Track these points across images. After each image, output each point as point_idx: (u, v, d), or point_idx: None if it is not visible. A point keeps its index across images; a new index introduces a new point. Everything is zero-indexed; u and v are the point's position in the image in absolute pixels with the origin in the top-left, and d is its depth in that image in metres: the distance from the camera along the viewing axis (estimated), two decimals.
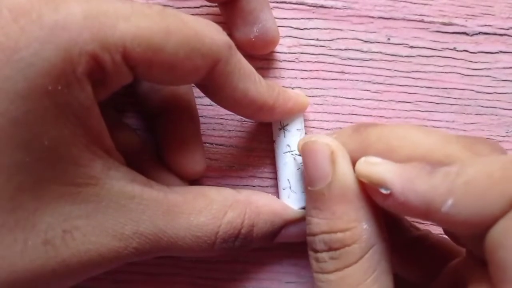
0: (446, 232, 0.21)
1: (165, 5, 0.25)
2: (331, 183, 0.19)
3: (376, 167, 0.18)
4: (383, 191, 0.17)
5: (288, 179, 0.24)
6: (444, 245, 0.22)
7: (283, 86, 0.25)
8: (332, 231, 0.19)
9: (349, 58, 0.26)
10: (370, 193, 0.19)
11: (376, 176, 0.18)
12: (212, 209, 0.21)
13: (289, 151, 0.24)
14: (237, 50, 0.20)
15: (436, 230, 0.24)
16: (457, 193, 0.16)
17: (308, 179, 0.20)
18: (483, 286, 0.17)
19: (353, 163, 0.19)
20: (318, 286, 0.20)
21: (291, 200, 0.24)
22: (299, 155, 0.23)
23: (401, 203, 0.17)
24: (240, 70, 0.20)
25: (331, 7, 0.26)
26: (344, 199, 0.19)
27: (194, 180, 0.25)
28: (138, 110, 0.26)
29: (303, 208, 0.24)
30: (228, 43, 0.19)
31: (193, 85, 0.25)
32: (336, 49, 0.26)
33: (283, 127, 0.24)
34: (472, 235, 0.17)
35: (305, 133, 0.25)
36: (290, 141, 0.24)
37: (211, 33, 0.19)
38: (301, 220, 0.24)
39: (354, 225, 0.19)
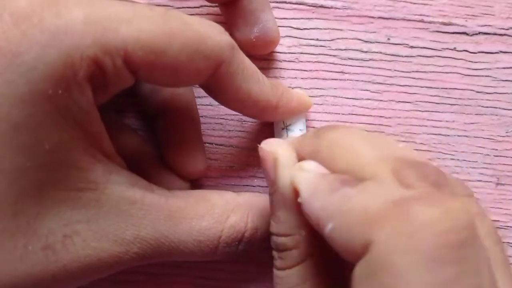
0: None
1: (165, 6, 0.25)
2: (276, 189, 0.19)
3: (300, 173, 0.18)
4: (299, 199, 0.17)
5: None
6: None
7: None
8: (278, 234, 0.19)
9: (349, 58, 0.26)
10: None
11: (295, 181, 0.18)
12: (214, 214, 0.21)
13: None
14: (239, 50, 0.20)
15: None
16: (336, 219, 0.16)
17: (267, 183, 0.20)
18: None
19: None
20: (274, 278, 0.20)
21: None
22: None
23: (305, 214, 0.17)
24: (244, 70, 0.20)
25: (331, 7, 0.26)
26: (286, 206, 0.19)
27: (194, 180, 0.25)
28: (138, 111, 0.26)
29: None
30: (231, 44, 0.19)
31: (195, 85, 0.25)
32: (336, 49, 0.26)
33: (286, 127, 0.24)
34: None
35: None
36: None
37: (214, 35, 0.19)
38: None
39: (293, 231, 0.19)
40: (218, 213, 0.21)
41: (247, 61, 0.20)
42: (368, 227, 0.15)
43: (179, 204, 0.21)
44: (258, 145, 0.21)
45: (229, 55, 0.19)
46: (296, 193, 0.18)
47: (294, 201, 0.18)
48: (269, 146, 0.20)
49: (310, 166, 0.18)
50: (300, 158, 0.20)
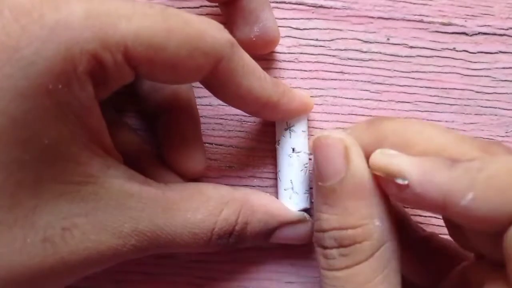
0: (451, 234, 0.20)
1: (165, 5, 0.25)
2: (344, 178, 0.19)
3: (393, 158, 0.18)
4: (400, 182, 0.17)
5: (291, 180, 0.24)
6: (449, 248, 0.22)
7: None
8: (342, 228, 0.19)
9: (349, 58, 0.26)
10: (384, 186, 0.18)
11: (393, 167, 0.18)
12: (208, 206, 0.21)
13: (293, 152, 0.24)
14: (239, 47, 0.20)
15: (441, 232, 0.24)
16: (478, 187, 0.16)
17: (319, 175, 0.19)
18: (498, 286, 0.16)
19: (367, 157, 0.19)
20: (325, 283, 0.19)
21: (292, 201, 0.24)
22: (305, 155, 0.23)
23: (417, 194, 0.17)
24: (244, 67, 0.20)
25: (331, 7, 0.26)
26: (357, 195, 0.19)
27: (193, 180, 0.25)
28: (138, 110, 0.26)
29: (305, 209, 0.24)
30: (230, 40, 0.19)
31: (194, 84, 0.25)
32: (335, 49, 0.26)
33: (289, 128, 0.24)
34: (486, 234, 0.17)
35: (308, 135, 0.25)
36: (295, 142, 0.24)
37: (213, 32, 0.19)
38: (297, 223, 0.24)
39: (365, 222, 0.18)
40: (213, 205, 0.21)
41: (247, 57, 0.20)
42: None
43: (175, 197, 0.21)
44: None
45: (228, 52, 0.19)
46: (379, 179, 0.18)
47: (369, 190, 0.19)
48: (336, 134, 0.20)
49: (393, 152, 0.18)
50: None
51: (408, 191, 0.17)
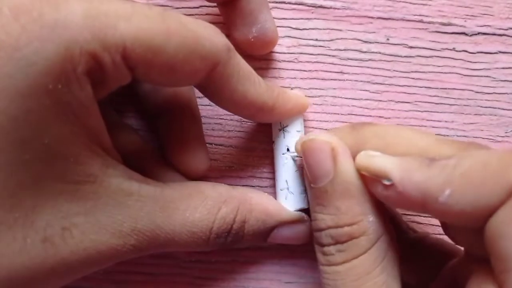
0: (445, 230, 0.21)
1: (164, 6, 0.26)
2: (334, 179, 0.19)
3: (376, 159, 0.18)
4: (386, 182, 0.18)
5: (286, 180, 0.24)
6: (442, 247, 0.22)
7: (282, 87, 0.25)
8: (338, 226, 0.19)
9: (348, 58, 0.26)
10: (370, 186, 0.19)
11: (376, 167, 0.18)
12: (207, 205, 0.21)
13: (288, 152, 0.24)
14: (236, 52, 0.20)
15: (435, 231, 0.24)
16: (454, 183, 0.16)
17: (310, 177, 0.20)
18: (485, 280, 0.17)
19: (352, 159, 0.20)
20: (325, 278, 0.20)
21: (288, 201, 0.24)
22: (299, 157, 0.23)
23: (399, 193, 0.17)
24: (239, 72, 0.20)
25: (330, 7, 0.26)
26: (348, 194, 0.19)
27: (197, 179, 0.25)
28: (139, 110, 0.26)
29: (300, 209, 0.24)
30: (227, 45, 0.19)
31: None
32: (335, 49, 0.26)
33: (282, 128, 0.24)
34: (469, 228, 0.17)
35: (305, 134, 0.25)
36: (290, 142, 0.24)
37: (210, 36, 0.19)
38: (294, 223, 0.24)
39: (360, 218, 0.19)
40: (211, 204, 0.21)
41: (242, 63, 0.21)
42: (505, 175, 0.15)
43: (174, 195, 0.21)
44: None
45: (225, 57, 0.19)
46: (365, 178, 0.19)
47: (359, 188, 0.19)
48: (322, 137, 0.20)
49: (376, 153, 0.19)
50: None
51: (391, 190, 0.18)
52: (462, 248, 0.20)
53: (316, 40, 0.26)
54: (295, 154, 0.23)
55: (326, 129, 0.26)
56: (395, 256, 0.20)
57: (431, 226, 0.25)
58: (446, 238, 0.21)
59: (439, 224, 0.25)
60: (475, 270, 0.18)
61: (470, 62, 0.26)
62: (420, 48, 0.26)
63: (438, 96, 0.26)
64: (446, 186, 0.16)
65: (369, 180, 0.19)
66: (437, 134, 0.26)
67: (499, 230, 0.15)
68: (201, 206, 0.21)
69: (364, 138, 0.20)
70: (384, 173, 0.18)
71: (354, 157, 0.20)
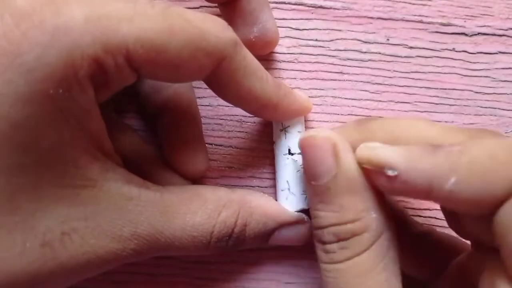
0: (449, 223, 0.21)
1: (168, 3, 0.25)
2: (336, 175, 0.19)
3: (378, 150, 0.18)
4: (390, 173, 0.17)
5: (287, 181, 0.24)
6: (449, 242, 0.22)
7: None
8: (341, 223, 0.19)
9: (348, 59, 0.26)
10: (373, 178, 0.19)
11: (379, 158, 0.18)
12: (207, 209, 0.21)
13: (289, 153, 0.24)
14: (243, 47, 0.20)
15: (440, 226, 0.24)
16: (460, 171, 0.16)
17: (311, 174, 0.20)
18: (498, 276, 0.17)
19: None
20: (326, 276, 0.19)
21: (289, 202, 0.24)
22: (301, 156, 0.23)
23: (404, 182, 0.17)
24: (246, 67, 0.20)
25: (330, 8, 0.26)
26: (351, 191, 0.19)
27: (196, 180, 0.25)
28: (139, 111, 0.26)
29: (301, 210, 0.24)
30: (234, 39, 0.19)
31: (194, 84, 0.25)
32: (335, 50, 0.26)
33: (284, 129, 0.24)
34: (476, 218, 0.17)
35: None
36: (291, 143, 0.24)
37: (216, 31, 0.18)
38: (295, 224, 0.24)
39: (363, 215, 0.19)
40: (211, 208, 0.21)
41: (250, 57, 0.20)
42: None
43: (173, 199, 0.21)
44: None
45: (231, 52, 0.19)
46: (367, 171, 0.19)
47: (362, 184, 0.19)
48: (322, 133, 0.20)
49: (376, 144, 0.19)
50: None
51: (396, 180, 0.17)
52: (469, 242, 0.20)
53: (316, 40, 0.26)
54: (297, 153, 0.23)
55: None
56: (396, 253, 0.19)
57: (431, 226, 0.25)
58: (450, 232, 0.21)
59: (439, 225, 0.25)
60: (485, 263, 0.17)
61: (470, 62, 0.26)
62: (420, 48, 0.26)
63: (438, 96, 0.26)
64: (452, 174, 0.16)
65: (372, 173, 0.18)
66: None
67: (508, 223, 0.15)
68: (201, 210, 0.21)
69: (370, 132, 0.20)
70: (388, 164, 0.17)
71: None
